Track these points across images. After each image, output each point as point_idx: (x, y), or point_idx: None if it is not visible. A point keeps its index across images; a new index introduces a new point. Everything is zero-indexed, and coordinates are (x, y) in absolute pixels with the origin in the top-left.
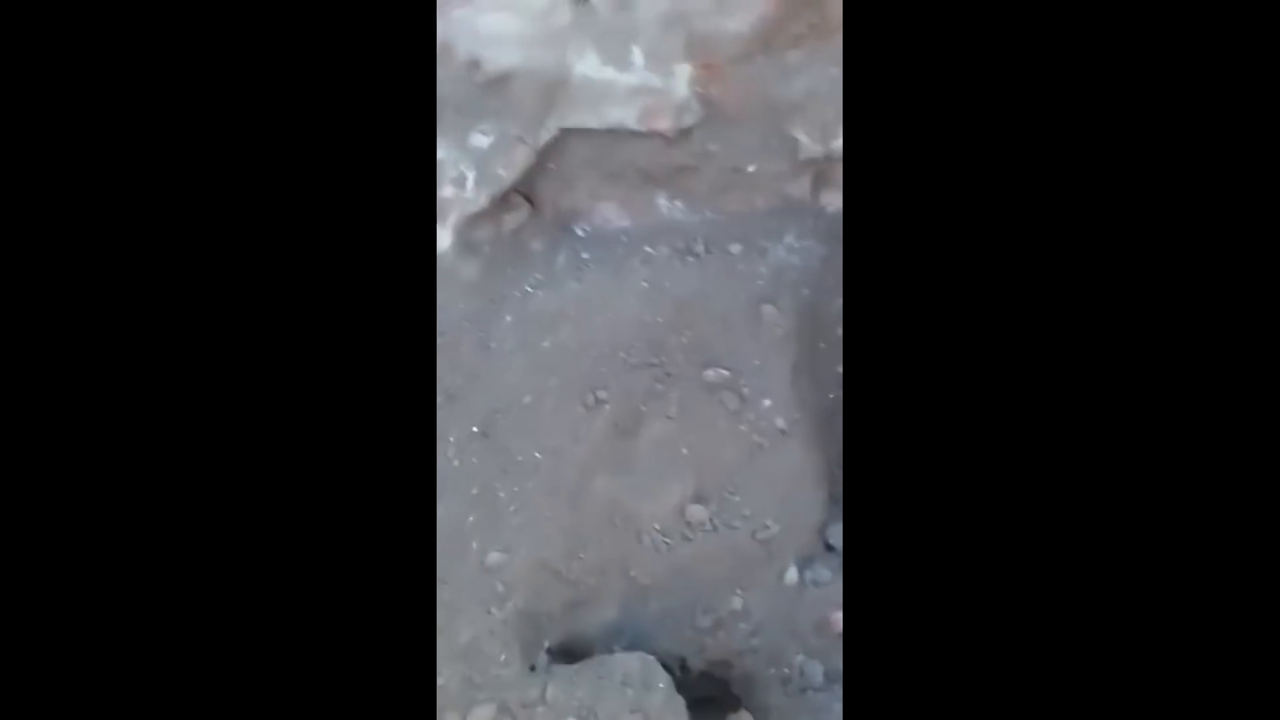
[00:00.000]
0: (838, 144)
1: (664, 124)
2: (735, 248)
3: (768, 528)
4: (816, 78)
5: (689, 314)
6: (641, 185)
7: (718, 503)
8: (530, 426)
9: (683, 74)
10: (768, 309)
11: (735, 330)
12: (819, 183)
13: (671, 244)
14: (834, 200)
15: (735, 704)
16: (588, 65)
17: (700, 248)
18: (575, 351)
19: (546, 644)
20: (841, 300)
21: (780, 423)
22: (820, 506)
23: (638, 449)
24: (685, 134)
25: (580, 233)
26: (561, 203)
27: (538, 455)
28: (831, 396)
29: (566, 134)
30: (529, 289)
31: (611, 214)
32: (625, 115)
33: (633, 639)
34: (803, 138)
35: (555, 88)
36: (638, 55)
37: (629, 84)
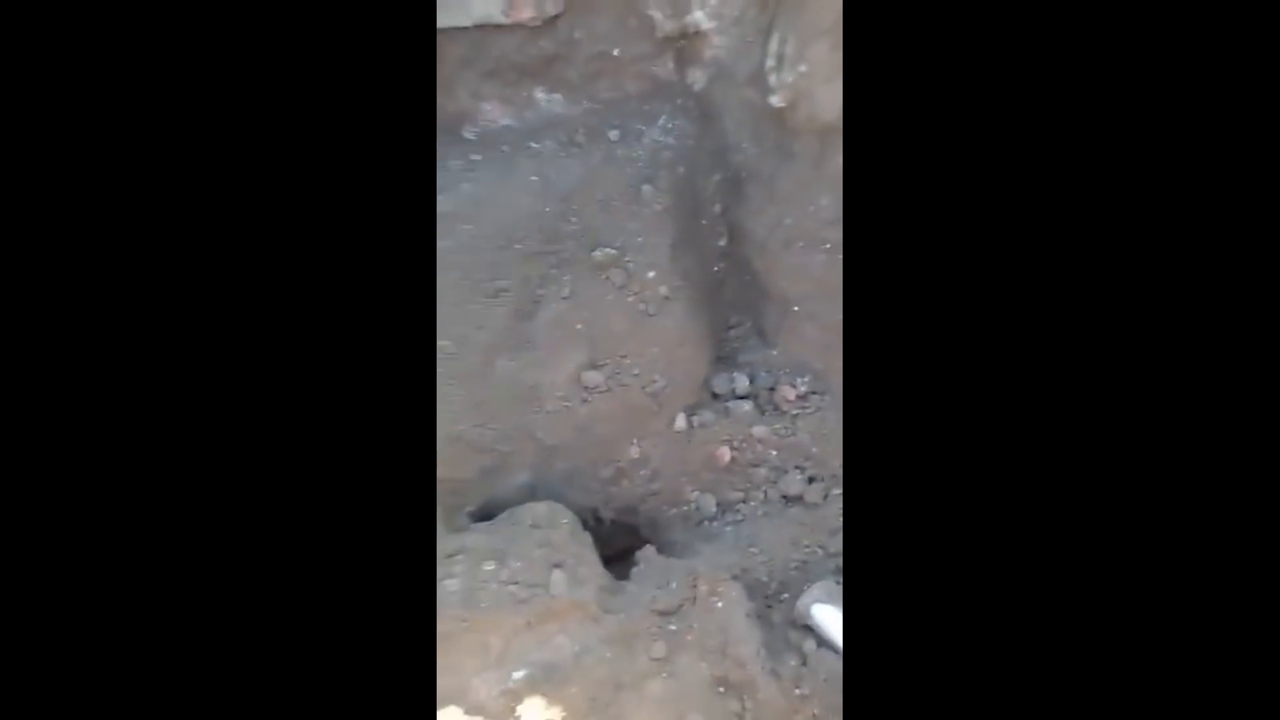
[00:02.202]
0: (690, 18)
1: (527, 14)
2: (613, 134)
3: (656, 382)
4: None
5: (576, 202)
6: (518, 81)
7: (611, 366)
8: (438, 320)
9: None
10: (646, 188)
11: (618, 211)
12: (682, 61)
13: (555, 137)
14: (699, 78)
15: (642, 543)
16: None
17: (581, 138)
18: (473, 248)
19: (468, 509)
20: (716, 178)
21: (664, 290)
22: (703, 362)
23: (536, 329)
24: (550, 24)
25: (469, 136)
26: (447, 107)
27: (446, 344)
28: (715, 270)
29: (440, 36)
30: None
31: (495, 113)
32: (491, 9)
33: (546, 497)
34: (657, 15)
35: None
36: None
37: None
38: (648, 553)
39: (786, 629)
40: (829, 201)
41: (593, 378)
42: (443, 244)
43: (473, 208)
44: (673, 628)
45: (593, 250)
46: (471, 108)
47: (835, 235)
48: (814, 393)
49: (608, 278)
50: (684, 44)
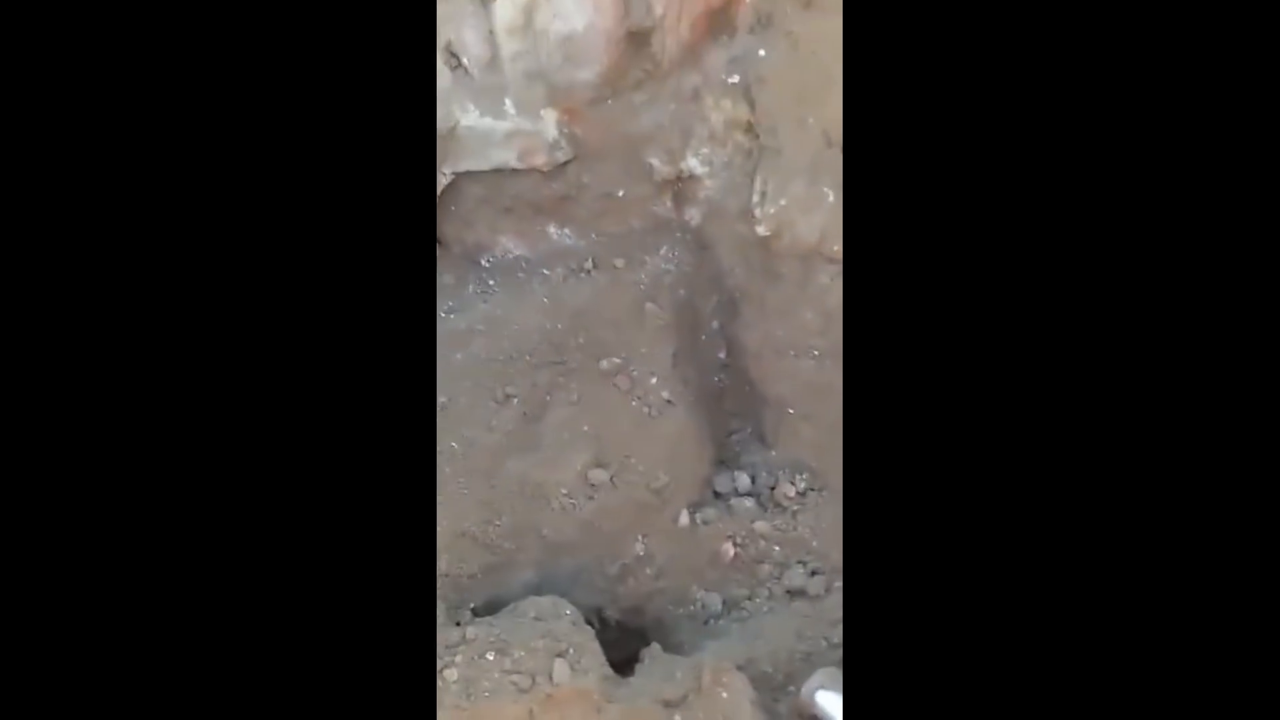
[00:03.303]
0: (685, 164)
1: (540, 160)
2: (619, 262)
3: (659, 479)
4: (658, 112)
5: (584, 319)
6: (532, 217)
7: (616, 465)
8: (447, 423)
9: (550, 118)
10: (650, 306)
11: (624, 327)
12: (679, 200)
13: (565, 265)
14: (695, 214)
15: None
16: (469, 118)
17: (589, 265)
18: (485, 359)
19: (471, 605)
20: (714, 299)
21: (666, 394)
22: (705, 461)
23: (543, 431)
24: (561, 169)
25: (485, 263)
26: (466, 239)
27: (454, 445)
28: (716, 380)
29: (461, 178)
30: (443, 314)
31: (511, 244)
32: (507, 156)
33: (551, 595)
34: (655, 162)
35: (446, 140)
36: (510, 106)
37: (506, 130)
38: (653, 650)
39: (792, 719)
40: (814, 315)
41: (598, 475)
42: (457, 356)
43: (487, 325)
44: (678, 718)
45: (599, 360)
46: (489, 240)
47: (822, 344)
48: (812, 489)
49: (614, 384)
50: (680, 186)
